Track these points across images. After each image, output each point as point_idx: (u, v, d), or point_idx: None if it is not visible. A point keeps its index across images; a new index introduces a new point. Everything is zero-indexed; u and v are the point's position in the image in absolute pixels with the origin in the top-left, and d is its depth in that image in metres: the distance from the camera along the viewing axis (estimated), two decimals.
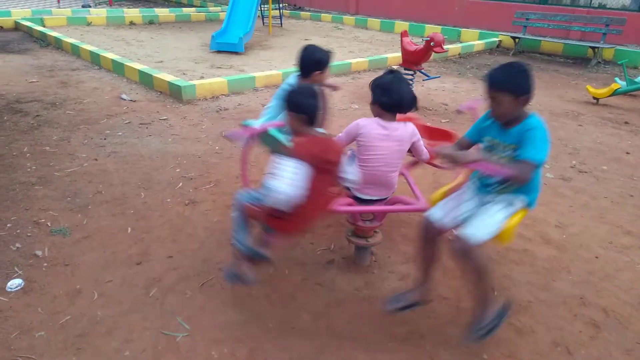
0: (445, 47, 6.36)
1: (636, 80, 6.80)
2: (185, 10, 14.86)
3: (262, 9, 12.54)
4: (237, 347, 2.29)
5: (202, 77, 7.17)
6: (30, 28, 10.69)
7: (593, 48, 9.61)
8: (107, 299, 2.59)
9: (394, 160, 2.67)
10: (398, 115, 2.69)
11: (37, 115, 5.43)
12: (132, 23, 12.77)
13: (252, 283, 2.51)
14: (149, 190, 3.80)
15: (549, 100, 6.99)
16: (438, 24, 12.87)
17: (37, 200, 3.58)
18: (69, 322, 2.41)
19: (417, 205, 2.69)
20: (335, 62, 8.32)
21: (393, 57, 8.85)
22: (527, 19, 10.57)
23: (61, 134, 4.91)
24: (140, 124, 5.32)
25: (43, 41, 9.87)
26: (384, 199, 2.81)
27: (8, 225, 3.23)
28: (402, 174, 2.99)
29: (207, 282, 2.75)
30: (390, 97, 2.59)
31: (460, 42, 11.29)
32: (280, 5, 13.45)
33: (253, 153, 3.80)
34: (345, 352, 2.29)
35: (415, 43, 6.58)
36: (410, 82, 6.42)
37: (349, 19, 14.67)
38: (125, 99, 6.21)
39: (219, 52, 9.32)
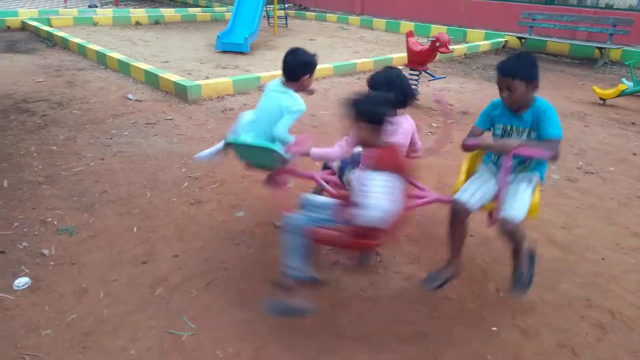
0: (450, 47, 6.35)
1: None
2: (191, 10, 14.90)
3: (268, 9, 12.56)
4: (241, 347, 2.30)
5: (207, 77, 7.19)
6: (37, 28, 10.75)
7: (600, 48, 9.56)
8: (113, 298, 2.60)
9: (403, 153, 2.72)
10: None
11: (43, 115, 5.47)
12: (138, 23, 12.82)
13: (311, 312, 2.35)
14: (155, 190, 3.82)
15: (555, 100, 6.96)
16: (444, 24, 12.85)
17: (43, 199, 3.60)
18: (75, 320, 2.43)
19: (434, 196, 2.77)
20: (341, 62, 8.33)
21: (398, 57, 8.84)
22: (533, 19, 10.53)
23: (68, 134, 4.93)
24: (146, 123, 5.34)
25: (50, 41, 9.93)
26: None
27: (15, 224, 3.26)
28: None
29: (212, 281, 2.76)
30: (396, 92, 2.60)
31: (466, 43, 11.26)
32: (286, 5, 13.47)
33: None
34: (349, 352, 2.29)
35: (421, 43, 6.58)
36: (416, 82, 6.42)
37: (354, 19, 14.66)
38: (131, 99, 6.23)
39: (224, 52, 9.34)
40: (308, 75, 2.95)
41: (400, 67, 8.70)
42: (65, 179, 3.95)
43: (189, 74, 7.43)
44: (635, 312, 2.61)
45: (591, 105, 6.81)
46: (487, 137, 2.68)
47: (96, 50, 8.35)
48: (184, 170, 4.20)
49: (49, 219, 3.33)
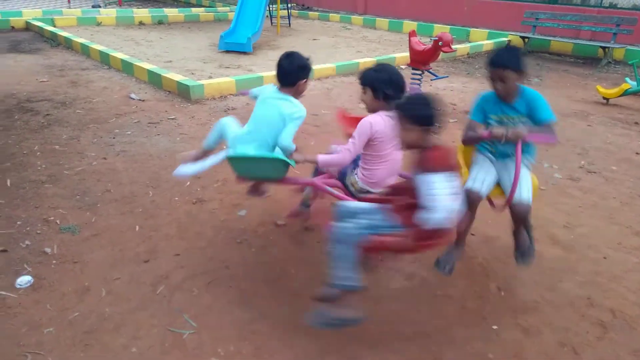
0: (453, 46, 6.34)
1: None
2: (194, 10, 14.92)
3: (271, 9, 12.56)
4: (243, 345, 2.31)
5: (210, 77, 7.20)
6: (41, 28, 10.80)
7: (603, 48, 9.52)
8: (115, 296, 2.61)
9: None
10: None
11: (47, 114, 5.49)
12: (141, 23, 12.85)
13: (362, 320, 2.31)
14: (157, 189, 3.83)
15: (558, 100, 6.94)
16: (446, 24, 12.82)
17: (46, 198, 3.62)
18: (77, 318, 2.44)
19: None
20: (343, 62, 8.33)
21: (401, 56, 8.84)
22: (536, 19, 10.50)
23: (71, 133, 4.96)
24: (149, 123, 5.36)
25: (53, 41, 9.97)
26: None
27: (18, 222, 3.27)
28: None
29: (214, 280, 2.77)
30: (395, 87, 2.62)
31: (469, 42, 11.24)
32: (289, 5, 13.47)
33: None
34: (350, 351, 2.30)
35: (424, 43, 6.56)
36: (418, 81, 6.42)
37: (357, 18, 14.65)
38: (134, 99, 6.25)
39: (227, 52, 9.36)
40: (304, 80, 2.83)
41: (403, 67, 8.64)
42: (68, 178, 3.97)
43: (192, 73, 7.44)
44: (636, 311, 2.60)
45: (594, 104, 6.79)
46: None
47: (100, 50, 8.37)
48: None
49: (52, 218, 3.34)
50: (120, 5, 16.37)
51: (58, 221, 3.31)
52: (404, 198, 2.28)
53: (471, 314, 2.57)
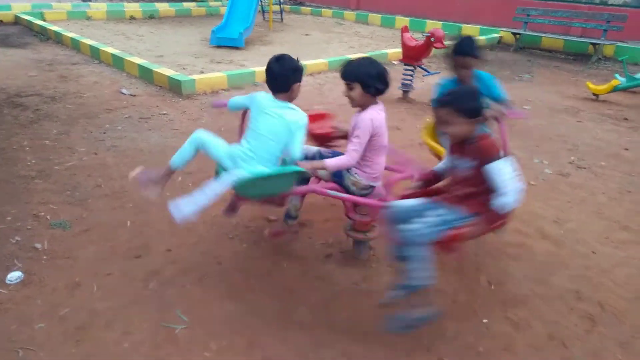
0: (445, 42, 6.36)
1: (636, 76, 6.80)
2: (186, 4, 14.81)
3: (263, 3, 12.51)
4: (235, 340, 2.31)
5: (202, 72, 7.16)
6: (30, 22, 10.68)
7: (594, 44, 9.59)
8: (106, 292, 2.60)
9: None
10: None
11: (36, 109, 5.44)
12: (132, 17, 12.75)
13: (440, 313, 2.36)
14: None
15: (549, 96, 6.99)
16: (439, 20, 12.84)
17: (36, 193, 3.59)
18: (68, 314, 2.43)
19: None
20: (336, 57, 8.32)
21: (393, 52, 8.84)
22: (527, 15, 10.55)
23: (61, 128, 4.92)
24: (140, 118, 5.33)
25: (43, 35, 9.86)
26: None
27: (8, 218, 3.25)
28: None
29: (206, 275, 2.77)
30: (383, 81, 2.63)
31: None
32: (281, 0, 13.42)
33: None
34: (343, 345, 2.31)
35: (416, 39, 6.58)
36: (411, 77, 6.43)
37: (349, 14, 14.64)
38: (125, 93, 6.21)
39: (219, 46, 9.31)
40: (298, 83, 2.66)
41: (395, 63, 8.63)
42: (58, 173, 3.94)
43: (184, 68, 7.40)
44: (624, 304, 2.64)
45: (584, 100, 6.85)
46: None
47: (90, 45, 8.30)
48: None
49: (42, 213, 3.32)
50: None
51: (48, 217, 3.29)
52: (458, 188, 2.33)
53: (462, 308, 2.59)
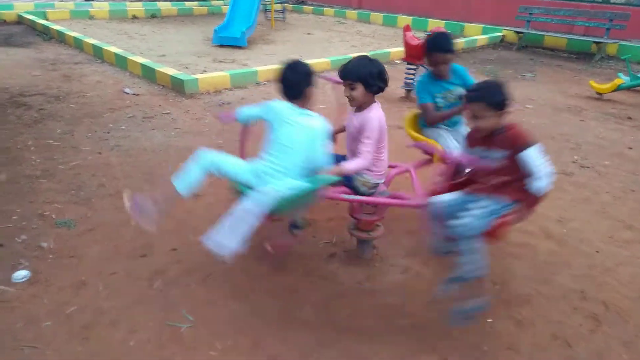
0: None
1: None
2: (188, 4, 14.83)
3: (265, 2, 12.51)
4: (240, 339, 2.32)
5: (204, 71, 7.17)
6: (33, 21, 10.70)
7: (597, 43, 9.57)
8: (111, 291, 2.62)
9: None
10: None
11: (40, 109, 5.45)
12: (134, 17, 12.77)
13: (491, 300, 2.41)
14: (152, 184, 3.82)
15: (552, 95, 6.98)
16: (441, 19, 12.83)
17: (41, 193, 3.61)
18: (74, 313, 2.44)
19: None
20: (338, 56, 8.32)
21: (396, 51, 8.84)
22: (530, 14, 10.53)
23: (65, 128, 4.93)
24: (144, 117, 5.34)
25: (46, 35, 9.88)
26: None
27: (14, 217, 3.26)
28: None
29: (210, 275, 2.78)
30: (384, 80, 2.66)
31: (464, 37, 11.26)
32: None
33: None
34: (346, 344, 2.32)
35: (418, 38, 6.57)
36: (413, 76, 6.43)
37: (351, 13, 14.63)
38: (128, 93, 6.22)
39: (221, 46, 9.32)
40: (312, 87, 2.60)
41: (397, 62, 8.63)
42: (63, 172, 3.95)
43: (186, 67, 7.41)
44: (628, 303, 2.64)
45: (587, 99, 6.83)
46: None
47: (93, 44, 8.32)
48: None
49: (47, 213, 3.34)
50: None
51: (54, 216, 3.30)
52: (492, 178, 2.36)
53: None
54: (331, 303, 2.60)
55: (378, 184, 2.77)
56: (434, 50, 3.04)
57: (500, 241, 2.41)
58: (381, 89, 2.64)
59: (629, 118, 6.02)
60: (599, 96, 6.88)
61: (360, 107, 2.69)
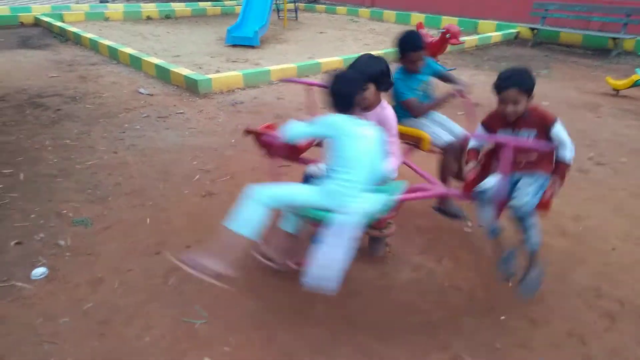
0: (461, 38, 6.32)
1: None
2: (201, 4, 14.93)
3: (277, 2, 12.55)
4: (253, 335, 2.35)
5: (218, 71, 7.23)
6: (49, 24, 10.87)
7: (613, 39, 9.43)
8: (127, 288, 2.66)
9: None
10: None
11: (57, 110, 5.55)
12: (149, 18, 12.90)
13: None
14: (167, 183, 3.87)
15: (567, 91, 6.90)
16: (454, 16, 12.74)
17: (59, 192, 3.67)
18: (91, 309, 2.49)
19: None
20: (351, 54, 8.32)
21: None
22: (545, 10, 10.41)
23: (81, 128, 5.01)
24: (158, 117, 5.40)
25: (62, 36, 10.04)
26: None
27: (32, 216, 3.33)
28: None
29: None
30: (390, 75, 2.73)
31: (477, 34, 11.17)
32: None
33: None
34: (359, 341, 2.33)
35: (431, 35, 6.55)
36: None
37: (364, 11, 14.60)
38: (142, 93, 6.30)
39: (234, 46, 9.37)
40: (362, 93, 2.53)
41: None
42: (80, 172, 4.02)
43: (200, 68, 7.47)
44: None
45: (604, 96, 6.74)
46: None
47: (108, 45, 8.43)
48: (195, 163, 4.25)
49: (64, 211, 3.40)
50: (128, 0, 16.40)
51: (71, 214, 3.36)
52: (526, 157, 2.56)
53: (479, 305, 2.59)
54: (344, 300, 2.60)
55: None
56: (410, 51, 3.12)
57: (548, 212, 2.57)
58: (391, 85, 2.65)
59: None
60: (615, 92, 6.78)
61: (368, 107, 2.68)
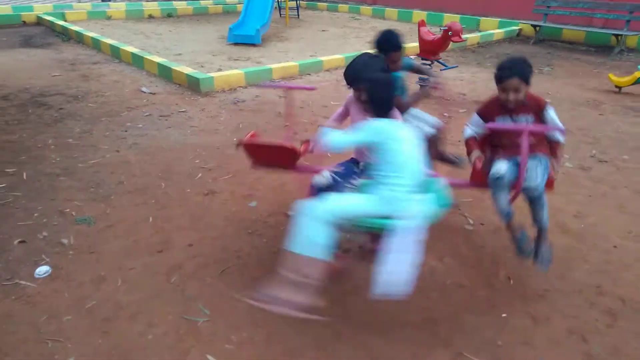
0: (463, 36, 6.31)
1: None
2: (203, 2, 14.95)
3: (279, 0, 12.54)
4: (255, 332, 2.36)
5: (219, 70, 7.24)
6: (52, 22, 10.90)
7: (616, 36, 9.40)
8: (130, 285, 2.68)
9: None
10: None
11: (60, 108, 5.57)
12: (150, 16, 12.92)
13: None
14: (169, 181, 3.89)
15: (570, 89, 6.89)
16: (456, 13, 12.72)
17: (62, 190, 3.69)
18: (94, 307, 2.50)
19: None
20: (353, 52, 8.31)
21: (411, 46, 8.78)
22: (548, 7, 10.37)
23: (84, 127, 5.03)
24: (160, 116, 5.42)
25: (65, 35, 10.06)
26: None
27: (35, 214, 3.35)
28: None
29: (226, 269, 2.82)
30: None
31: (479, 31, 11.15)
32: None
33: None
34: (360, 337, 2.34)
35: (433, 32, 6.54)
36: None
37: (366, 9, 14.59)
38: (145, 92, 6.31)
39: (236, 44, 9.38)
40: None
41: (412, 57, 8.62)
42: (82, 170, 4.04)
43: (202, 66, 7.48)
44: None
45: (606, 93, 6.72)
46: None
47: (110, 44, 8.44)
48: (197, 161, 4.26)
49: (67, 210, 3.41)
50: None
51: (74, 213, 3.38)
52: (530, 139, 2.58)
53: (481, 302, 2.60)
54: (347, 297, 2.62)
55: None
56: (392, 50, 3.14)
57: (553, 190, 2.79)
58: None
59: None
60: (618, 90, 6.76)
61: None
